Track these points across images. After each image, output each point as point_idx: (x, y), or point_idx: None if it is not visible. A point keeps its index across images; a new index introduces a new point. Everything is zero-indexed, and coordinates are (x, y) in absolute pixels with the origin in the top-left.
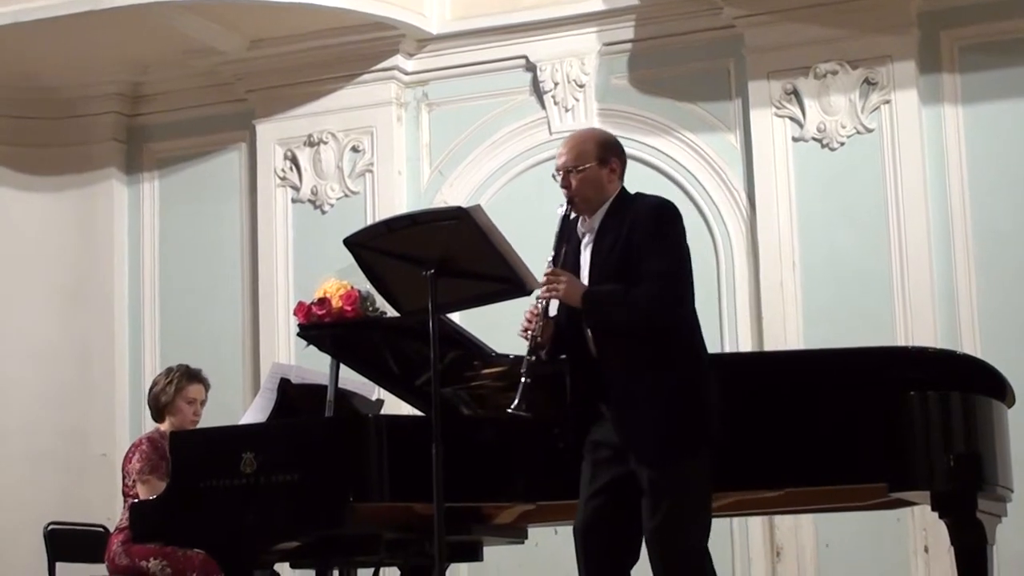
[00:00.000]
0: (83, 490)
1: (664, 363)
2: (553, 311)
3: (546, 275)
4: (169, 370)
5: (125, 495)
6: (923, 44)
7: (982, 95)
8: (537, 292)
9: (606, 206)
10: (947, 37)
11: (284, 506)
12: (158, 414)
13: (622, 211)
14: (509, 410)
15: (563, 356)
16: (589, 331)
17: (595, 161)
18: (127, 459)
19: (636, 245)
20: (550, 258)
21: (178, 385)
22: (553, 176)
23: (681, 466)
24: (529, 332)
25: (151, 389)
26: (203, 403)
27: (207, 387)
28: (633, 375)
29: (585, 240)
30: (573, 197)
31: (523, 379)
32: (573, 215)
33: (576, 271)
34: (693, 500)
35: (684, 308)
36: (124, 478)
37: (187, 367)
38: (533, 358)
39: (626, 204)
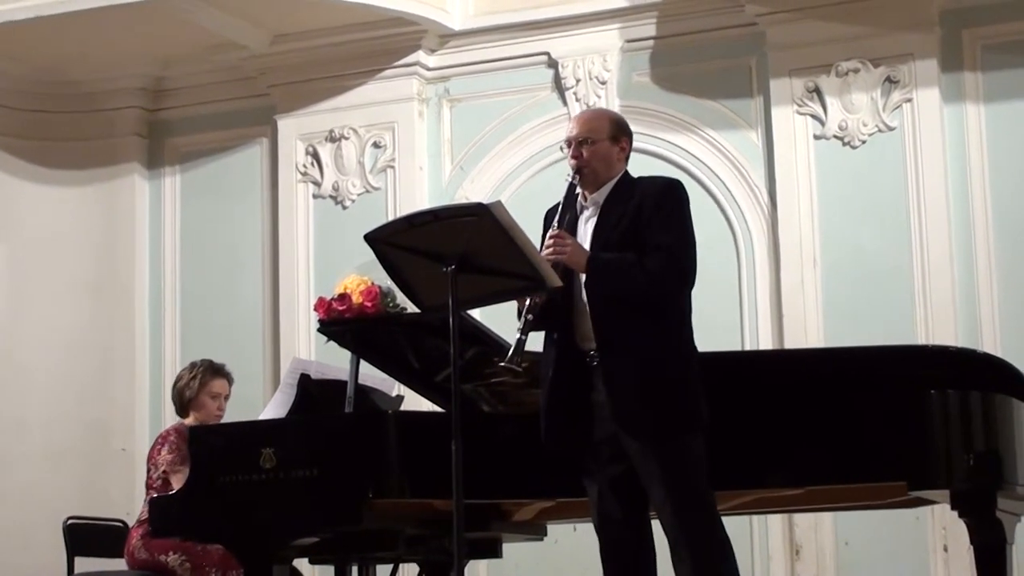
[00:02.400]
0: (103, 484)
1: (662, 340)
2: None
3: (551, 236)
4: (193, 365)
5: (148, 487)
6: (945, 42)
7: (1004, 94)
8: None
9: (611, 184)
10: (969, 36)
11: (303, 502)
12: (182, 409)
13: (629, 189)
14: (502, 364)
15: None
16: (587, 302)
17: (607, 137)
18: (154, 451)
19: (645, 219)
20: (555, 221)
21: (202, 380)
22: (560, 148)
23: (684, 440)
24: None
25: (175, 384)
26: (227, 398)
27: (231, 382)
28: (632, 350)
29: (587, 214)
30: (583, 167)
31: (519, 335)
32: (576, 189)
33: None
34: (701, 476)
35: (690, 282)
36: (149, 471)
37: (211, 362)
38: (531, 316)
39: (632, 184)
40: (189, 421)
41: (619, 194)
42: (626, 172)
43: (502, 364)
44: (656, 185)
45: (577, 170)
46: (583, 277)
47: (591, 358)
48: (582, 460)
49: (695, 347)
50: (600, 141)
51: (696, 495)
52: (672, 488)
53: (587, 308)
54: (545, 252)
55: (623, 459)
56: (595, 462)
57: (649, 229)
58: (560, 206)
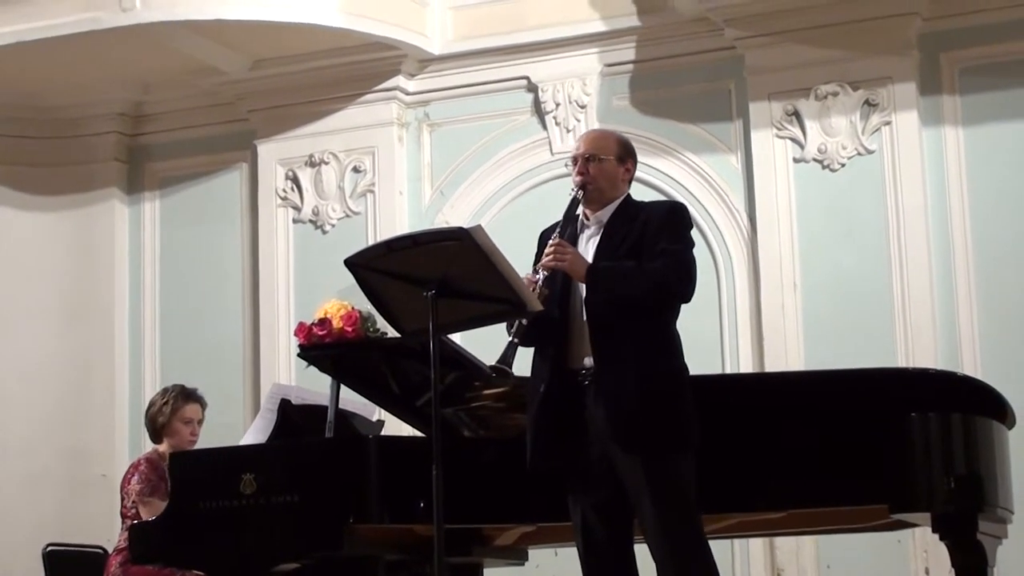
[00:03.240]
0: (82, 511)
1: (659, 357)
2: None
3: (552, 245)
4: (165, 390)
5: (123, 516)
6: (923, 66)
7: (982, 117)
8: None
9: (615, 204)
10: (947, 59)
11: (284, 527)
12: (155, 435)
13: (632, 212)
14: (493, 365)
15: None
16: (585, 318)
17: (614, 157)
18: (126, 480)
19: (650, 238)
20: (555, 233)
21: (174, 405)
22: (566, 165)
23: (677, 458)
24: None
25: (148, 410)
26: (200, 422)
27: (204, 406)
28: (630, 365)
29: (588, 232)
30: (588, 184)
31: (512, 339)
32: (579, 207)
33: None
34: (692, 494)
35: (690, 290)
36: (123, 499)
37: (183, 387)
38: (524, 322)
39: (636, 207)
40: (163, 447)
41: (624, 215)
42: (629, 195)
43: (493, 365)
44: (661, 207)
45: (582, 186)
46: (581, 294)
47: (583, 376)
48: (568, 479)
49: (688, 369)
50: (607, 160)
51: (686, 513)
52: (662, 505)
53: (583, 326)
54: (545, 259)
55: (610, 482)
56: (582, 483)
57: (653, 242)
58: (560, 222)
